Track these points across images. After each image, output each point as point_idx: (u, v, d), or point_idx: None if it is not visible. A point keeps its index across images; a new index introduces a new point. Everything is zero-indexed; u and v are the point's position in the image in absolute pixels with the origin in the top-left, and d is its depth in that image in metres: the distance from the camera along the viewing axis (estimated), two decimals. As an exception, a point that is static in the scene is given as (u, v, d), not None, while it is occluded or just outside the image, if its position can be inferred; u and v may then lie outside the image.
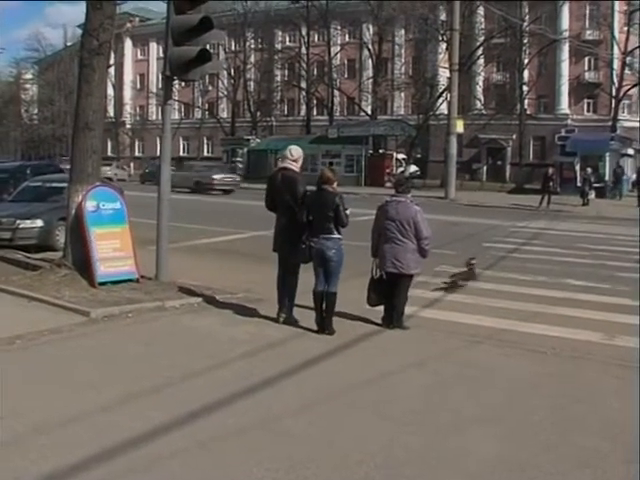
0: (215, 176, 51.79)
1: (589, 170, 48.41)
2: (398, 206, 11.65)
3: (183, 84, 60.23)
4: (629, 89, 69.45)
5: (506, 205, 43.89)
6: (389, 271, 11.65)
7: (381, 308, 11.97)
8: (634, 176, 58.76)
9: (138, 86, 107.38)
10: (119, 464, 6.26)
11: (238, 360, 9.43)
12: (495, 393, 8.60)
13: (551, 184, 45.28)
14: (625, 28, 69.18)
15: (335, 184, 11.45)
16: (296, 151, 12.09)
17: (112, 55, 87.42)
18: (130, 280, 14.11)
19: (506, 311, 13.33)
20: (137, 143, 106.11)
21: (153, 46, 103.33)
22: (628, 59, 69.25)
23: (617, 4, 74.20)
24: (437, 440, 7.07)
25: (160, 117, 15.31)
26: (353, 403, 7.98)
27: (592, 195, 48.01)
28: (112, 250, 14.15)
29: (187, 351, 9.93)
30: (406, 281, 11.78)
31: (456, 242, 22.72)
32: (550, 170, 47.24)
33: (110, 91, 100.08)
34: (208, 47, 14.47)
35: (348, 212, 11.24)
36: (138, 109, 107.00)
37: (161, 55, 15.06)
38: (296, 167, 11.96)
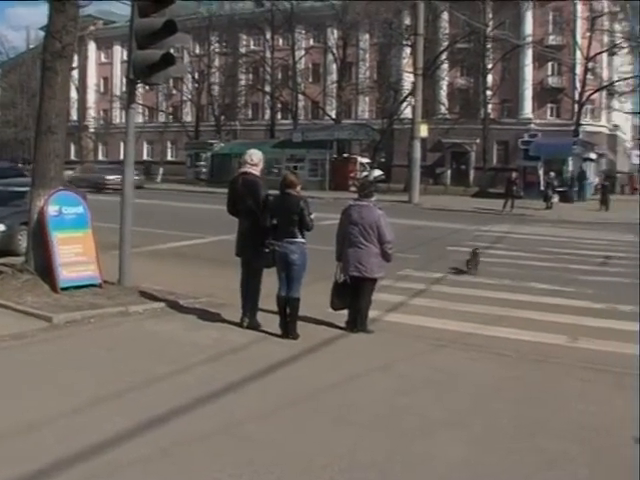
0: (108, 177, 53.89)
1: (552, 174, 48.80)
2: (361, 210, 11.65)
3: (147, 88, 60.19)
4: (591, 94, 70.04)
5: (470, 209, 44.07)
6: (353, 275, 11.63)
7: (345, 312, 11.95)
8: (597, 180, 59.30)
9: (102, 89, 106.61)
10: (81, 471, 6.18)
11: (201, 365, 9.37)
12: (460, 397, 8.59)
13: (514, 188, 45.70)
14: (587, 34, 69.74)
15: (299, 188, 11.42)
16: (256, 155, 12.07)
17: (75, 58, 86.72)
18: (93, 285, 13.97)
19: (471, 315, 13.36)
20: (100, 147, 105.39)
21: (117, 49, 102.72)
22: (590, 64, 69.93)
23: (579, 10, 74.87)
24: (402, 444, 7.04)
25: (124, 121, 15.19)
26: (317, 408, 7.94)
27: (555, 199, 48.34)
28: (74, 255, 14.00)
29: (150, 356, 9.85)
30: (370, 285, 11.77)
31: (420, 246, 22.78)
32: (513, 174, 47.69)
33: (73, 94, 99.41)
34: (172, 51, 14.40)
35: (313, 216, 11.21)
36: (102, 113, 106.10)
37: (125, 58, 14.96)
38: (257, 171, 11.93)
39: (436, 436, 7.27)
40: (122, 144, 14.81)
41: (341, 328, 11.81)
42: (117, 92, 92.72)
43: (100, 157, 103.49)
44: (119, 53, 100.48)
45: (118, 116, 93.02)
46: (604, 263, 21.35)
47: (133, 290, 13.97)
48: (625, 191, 68.99)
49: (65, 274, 13.70)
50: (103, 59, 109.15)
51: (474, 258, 18.71)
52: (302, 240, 11.20)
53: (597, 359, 10.50)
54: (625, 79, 73.65)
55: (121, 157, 15.26)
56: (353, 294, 11.74)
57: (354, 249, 11.56)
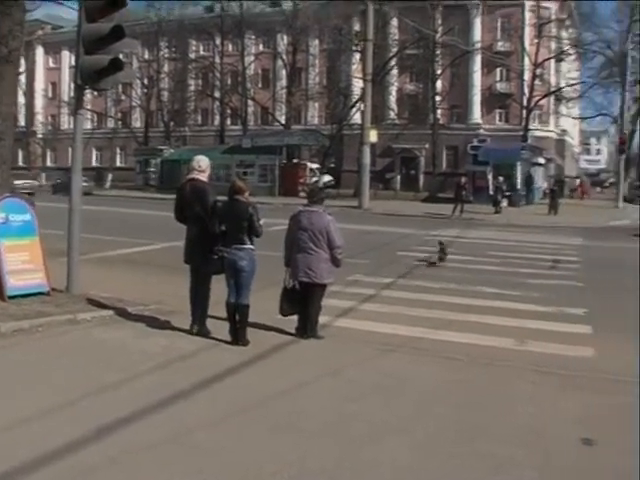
0: (15, 182, 53.05)
1: (501, 179, 49.14)
2: (311, 216, 11.63)
3: (96, 93, 59.79)
4: (539, 100, 70.86)
5: (420, 214, 44.26)
6: (302, 280, 11.61)
7: (295, 318, 11.93)
8: (545, 184, 59.85)
9: (50, 95, 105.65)
10: (27, 482, 6.13)
11: (150, 373, 9.30)
12: (408, 402, 8.61)
13: (464, 193, 46.04)
14: (535, 40, 70.48)
15: (247, 194, 11.39)
16: (204, 162, 12.02)
17: (22, 63, 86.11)
18: (41, 293, 13.78)
19: (420, 319, 13.39)
20: (49, 153, 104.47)
21: (65, 54, 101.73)
22: (538, 70, 70.70)
23: (527, 17, 75.62)
24: (351, 451, 7.03)
25: (72, 127, 15.02)
26: (267, 415, 7.91)
27: (504, 203, 48.67)
28: (22, 263, 13.80)
29: (99, 364, 9.75)
30: (319, 290, 11.76)
31: (370, 251, 22.84)
32: (462, 179, 48.12)
33: (21, 99, 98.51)
34: (121, 56, 14.27)
35: (262, 222, 11.20)
36: (50, 118, 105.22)
37: (73, 63, 14.84)
38: (205, 177, 11.90)
39: (383, 442, 7.27)
40: (70, 150, 14.62)
41: (291, 334, 11.79)
42: (65, 97, 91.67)
43: (49, 163, 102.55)
44: (67, 58, 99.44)
45: (66, 122, 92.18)
46: (552, 267, 21.53)
47: (82, 298, 13.82)
48: (574, 196, 69.51)
49: (12, 282, 13.51)
50: (51, 64, 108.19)
51: (442, 250, 20.59)
52: (251, 246, 11.17)
53: (544, 362, 10.58)
54: (572, 85, 74.78)
55: (70, 163, 15.09)
56: (302, 300, 11.73)
57: (303, 255, 11.54)
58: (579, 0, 76.32)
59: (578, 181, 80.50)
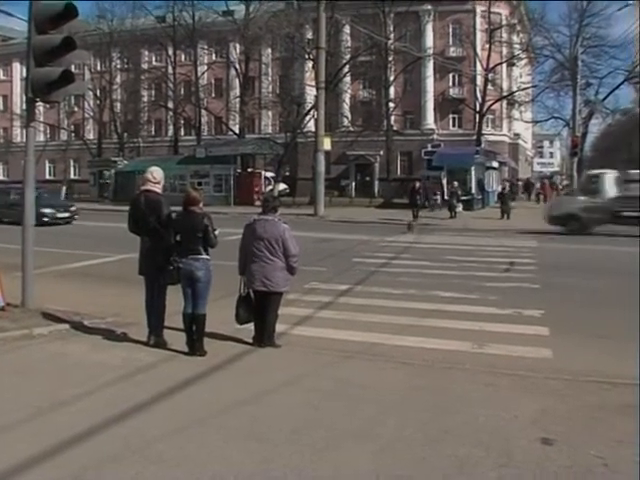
0: None
1: (455, 184, 49.37)
2: (266, 225, 11.62)
3: (48, 105, 59.37)
4: (492, 104, 71.36)
5: (375, 220, 44.28)
6: (259, 290, 11.60)
7: (252, 327, 11.90)
8: (499, 188, 60.22)
9: (1, 107, 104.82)
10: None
11: (109, 386, 9.23)
12: (368, 407, 8.60)
13: (418, 197, 46.23)
14: (487, 45, 70.94)
15: (201, 204, 11.36)
16: (157, 172, 11.96)
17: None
18: (-5, 308, 13.73)
19: (378, 325, 13.44)
20: (1, 166, 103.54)
21: (16, 66, 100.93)
22: (490, 75, 71.20)
23: (479, 22, 76.18)
24: (313, 458, 7.01)
25: (24, 139, 14.87)
26: (227, 425, 7.88)
27: (459, 208, 48.83)
28: (-25, 278, 13.79)
29: (57, 379, 9.65)
30: (276, 299, 11.75)
31: (327, 258, 22.89)
32: (417, 184, 48.22)
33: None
34: (73, 67, 14.17)
35: (217, 232, 11.18)
36: (2, 131, 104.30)
37: (24, 75, 14.68)
38: (158, 189, 11.85)
39: (346, 448, 7.27)
40: (23, 163, 14.45)
41: (248, 343, 11.76)
42: (17, 110, 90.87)
43: (1, 177, 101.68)
44: (18, 70, 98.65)
45: (19, 134, 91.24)
46: (508, 269, 21.66)
47: (37, 312, 13.66)
48: (539, 199, 69.53)
49: (-34, 298, 13.39)
50: (2, 76, 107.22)
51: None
52: (207, 257, 11.15)
53: (503, 364, 10.66)
54: (524, 89, 75.59)
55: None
56: (259, 309, 11.72)
57: (260, 264, 11.53)
58: (529, 0, 77.14)
59: (539, 183, 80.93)
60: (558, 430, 7.75)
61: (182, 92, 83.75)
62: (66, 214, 42.33)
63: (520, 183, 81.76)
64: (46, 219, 38.15)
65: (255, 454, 7.06)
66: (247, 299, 11.78)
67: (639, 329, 12.50)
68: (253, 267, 11.58)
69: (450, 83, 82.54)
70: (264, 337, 11.71)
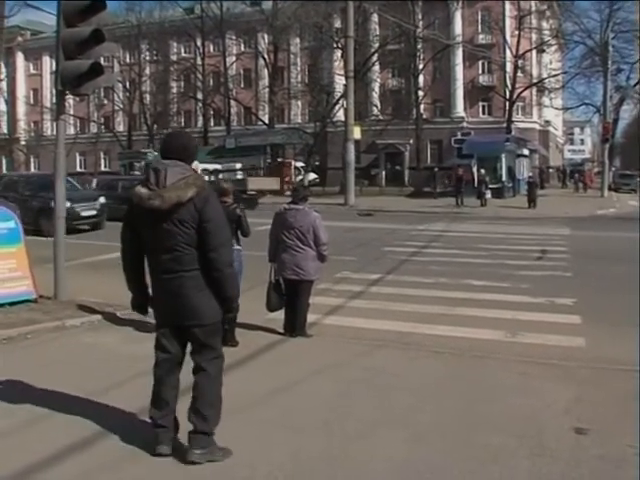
0: None
1: (482, 171, 48.96)
2: (297, 214, 11.60)
3: (78, 98, 59.58)
4: (522, 91, 71.09)
5: (406, 209, 44.16)
6: (291, 278, 11.59)
7: (283, 317, 11.90)
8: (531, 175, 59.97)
9: (32, 101, 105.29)
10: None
11: (141, 377, 9.17)
12: (401, 396, 8.57)
13: (462, 185, 46.35)
14: (516, 32, 70.58)
15: (232, 196, 11.39)
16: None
17: (3, 70, 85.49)
18: (28, 300, 13.68)
19: (409, 314, 13.39)
20: (32, 159, 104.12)
21: (46, 60, 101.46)
22: (520, 62, 70.99)
23: (508, 9, 75.77)
24: (345, 447, 6.98)
25: (55, 132, 14.90)
26: (259, 415, 7.86)
27: (488, 195, 48.52)
28: (8, 270, 13.69)
29: (88, 370, 9.65)
30: (307, 288, 11.74)
31: (357, 248, 22.86)
32: (460, 170, 48.22)
33: (3, 107, 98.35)
34: (102, 60, 14.18)
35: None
36: (32, 125, 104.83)
37: (54, 69, 14.72)
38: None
39: (377, 437, 7.23)
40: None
41: (280, 333, 11.75)
42: (47, 103, 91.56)
43: (32, 170, 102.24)
44: (48, 64, 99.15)
45: (49, 128, 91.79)
46: (540, 257, 21.55)
47: (70, 304, 13.72)
48: (578, 187, 68.29)
49: (-1, 290, 13.36)
50: (32, 70, 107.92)
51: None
52: (239, 247, 11.16)
53: (536, 353, 10.59)
54: (554, 76, 75.07)
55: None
56: (289, 298, 11.72)
57: (291, 253, 11.54)
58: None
59: (587, 168, 79.79)
60: (591, 419, 7.70)
61: (211, 83, 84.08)
62: (92, 211, 31.50)
63: (551, 170, 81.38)
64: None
65: (287, 444, 7.05)
66: (277, 286, 11.77)
67: (639, 315, 12.48)
68: (284, 256, 11.58)
69: (479, 70, 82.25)
70: (296, 326, 11.69)
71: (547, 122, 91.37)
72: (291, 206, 11.79)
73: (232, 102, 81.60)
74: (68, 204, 26.69)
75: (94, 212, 31.39)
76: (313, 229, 11.50)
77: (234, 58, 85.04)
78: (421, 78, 72.96)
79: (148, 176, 6.39)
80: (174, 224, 6.31)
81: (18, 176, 41.95)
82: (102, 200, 32.40)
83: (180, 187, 6.26)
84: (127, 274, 7.07)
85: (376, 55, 69.92)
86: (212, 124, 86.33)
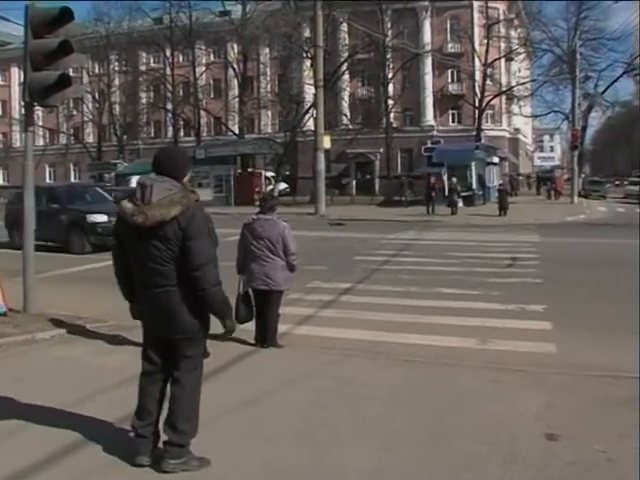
0: None
1: (454, 180, 49.19)
2: (266, 224, 11.62)
3: (47, 109, 59.27)
4: (491, 99, 71.57)
5: (376, 218, 44.22)
6: (260, 288, 11.59)
7: (254, 328, 11.89)
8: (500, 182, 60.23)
9: (0, 112, 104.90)
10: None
11: (112, 389, 9.17)
12: (371, 405, 8.57)
13: (434, 193, 46.68)
14: (485, 41, 71.07)
15: None
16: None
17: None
18: (-3, 313, 13.64)
19: (380, 323, 13.40)
20: (1, 171, 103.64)
21: (14, 71, 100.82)
22: (489, 70, 71.52)
23: (476, 18, 76.28)
24: (316, 456, 6.98)
25: (24, 144, 14.82)
26: (230, 426, 7.84)
27: (460, 204, 48.75)
28: (-24, 284, 13.61)
29: (60, 383, 9.60)
30: (277, 298, 11.74)
31: (328, 257, 22.91)
32: (432, 179, 48.58)
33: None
34: (71, 71, 14.10)
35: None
36: (1, 136, 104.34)
37: (22, 80, 14.63)
38: None
39: (349, 446, 7.23)
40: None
41: (251, 344, 11.72)
42: (16, 115, 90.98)
43: (1, 181, 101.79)
44: (17, 75, 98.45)
45: (18, 139, 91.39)
46: (511, 265, 21.64)
47: (39, 317, 13.62)
48: (551, 195, 68.07)
49: (-33, 304, 13.22)
50: (0, 81, 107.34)
51: None
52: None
53: (507, 360, 10.62)
54: (523, 83, 75.84)
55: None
56: (259, 308, 11.71)
57: (260, 263, 11.55)
58: (527, 0, 77.12)
59: (558, 175, 79.83)
60: (563, 425, 7.73)
61: (181, 93, 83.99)
62: None
63: (521, 178, 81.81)
64: (100, 230, 26.05)
65: (259, 454, 7.03)
66: (246, 298, 11.74)
67: (639, 322, 12.52)
68: (253, 266, 11.56)
69: (449, 79, 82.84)
70: (267, 337, 11.69)
71: (516, 130, 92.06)
72: (259, 216, 11.77)
73: (202, 112, 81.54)
74: (105, 218, 26.42)
75: None
76: (282, 239, 11.49)
77: (203, 68, 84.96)
78: (391, 87, 73.20)
79: (135, 191, 6.39)
80: (159, 240, 6.31)
81: (40, 187, 35.91)
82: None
83: (164, 205, 6.23)
84: (121, 287, 7.02)
85: (345, 64, 70.14)
86: (182, 134, 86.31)
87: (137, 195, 6.35)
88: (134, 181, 60.18)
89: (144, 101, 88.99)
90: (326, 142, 49.66)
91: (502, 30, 74.15)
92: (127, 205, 6.37)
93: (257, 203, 13.11)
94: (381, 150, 75.82)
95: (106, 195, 31.26)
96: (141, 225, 6.28)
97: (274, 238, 11.49)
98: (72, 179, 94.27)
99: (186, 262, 6.33)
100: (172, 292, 6.46)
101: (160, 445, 6.78)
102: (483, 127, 71.83)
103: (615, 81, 74.78)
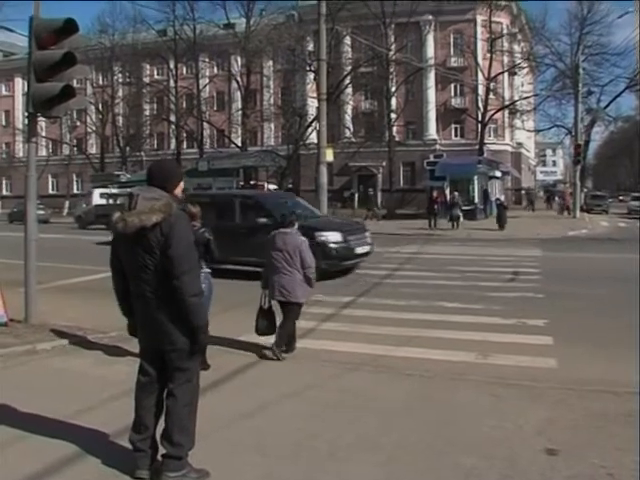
0: None
1: (456, 194, 49.19)
2: (285, 237, 12.07)
3: (50, 120, 59.35)
4: (494, 114, 71.44)
5: (378, 231, 44.14)
6: (277, 299, 12.02)
7: (258, 340, 11.97)
8: (503, 197, 60.17)
9: (3, 123, 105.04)
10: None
11: (112, 401, 9.18)
12: (372, 419, 8.57)
13: (436, 207, 46.69)
14: (488, 55, 71.07)
15: (199, 220, 11.46)
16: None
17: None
18: (-2, 324, 13.63)
19: (381, 337, 13.41)
20: (4, 182, 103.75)
21: (18, 81, 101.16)
22: (492, 85, 71.34)
23: (479, 32, 76.24)
24: (317, 469, 6.98)
25: (27, 154, 14.82)
26: (231, 438, 7.84)
27: (461, 218, 48.72)
28: (-22, 294, 13.60)
29: (59, 394, 9.60)
30: (294, 309, 12.15)
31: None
32: (435, 193, 48.58)
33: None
34: (75, 82, 14.13)
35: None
36: (4, 146, 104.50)
37: (26, 91, 14.62)
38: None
39: (350, 460, 7.23)
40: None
41: (264, 356, 11.82)
42: (19, 125, 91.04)
43: (4, 192, 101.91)
44: (20, 85, 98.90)
45: (21, 149, 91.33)
46: (512, 279, 21.61)
47: (41, 327, 13.64)
48: (556, 209, 67.47)
49: (-32, 314, 13.20)
50: (4, 92, 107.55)
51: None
52: (208, 270, 11.26)
53: (507, 374, 10.61)
54: (526, 98, 75.63)
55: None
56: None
57: (279, 275, 11.91)
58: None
59: (562, 190, 79.28)
60: (563, 440, 7.72)
61: (184, 105, 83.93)
62: (366, 247, 23.97)
63: (523, 192, 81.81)
64: (334, 254, 22.04)
65: (259, 467, 7.03)
66: (269, 312, 12.11)
67: (639, 336, 12.51)
68: (274, 278, 12.01)
69: (452, 93, 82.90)
70: (291, 345, 12.26)
71: (519, 144, 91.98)
72: (280, 230, 12.28)
73: (205, 125, 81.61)
74: (339, 237, 22.33)
75: (367, 248, 24.12)
76: (300, 252, 11.91)
77: (207, 80, 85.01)
78: (393, 100, 73.07)
79: (125, 201, 6.43)
80: (144, 249, 6.33)
81: (232, 194, 30.28)
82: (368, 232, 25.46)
83: (144, 212, 6.24)
84: (119, 303, 7.12)
85: (349, 78, 70.05)
86: (185, 147, 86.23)
87: (125, 204, 6.41)
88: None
89: (147, 113, 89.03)
90: (329, 155, 49.47)
91: (505, 44, 74.03)
92: (115, 214, 6.44)
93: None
94: (384, 163, 75.64)
95: (313, 209, 28.03)
96: (122, 232, 6.34)
97: (292, 251, 11.91)
98: (74, 190, 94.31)
99: (166, 271, 6.32)
100: (161, 302, 6.47)
101: (159, 458, 6.75)
102: (486, 141, 71.73)
103: (618, 96, 74.81)
